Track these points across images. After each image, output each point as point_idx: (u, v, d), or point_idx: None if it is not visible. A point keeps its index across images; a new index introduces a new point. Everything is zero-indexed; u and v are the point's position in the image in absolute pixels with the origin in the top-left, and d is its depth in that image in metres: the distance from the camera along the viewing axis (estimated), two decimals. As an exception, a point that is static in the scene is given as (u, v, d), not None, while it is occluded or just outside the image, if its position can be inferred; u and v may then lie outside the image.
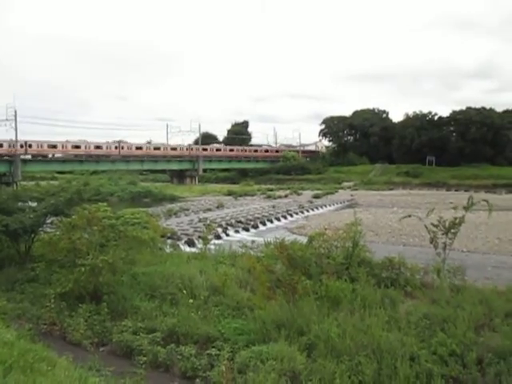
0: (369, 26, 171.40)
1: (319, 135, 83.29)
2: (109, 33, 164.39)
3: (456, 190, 50.76)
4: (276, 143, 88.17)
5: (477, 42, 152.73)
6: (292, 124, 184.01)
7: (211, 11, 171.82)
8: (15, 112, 46.91)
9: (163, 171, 68.45)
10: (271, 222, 27.81)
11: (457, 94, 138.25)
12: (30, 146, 46.94)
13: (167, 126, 72.66)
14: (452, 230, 9.24)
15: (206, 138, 78.76)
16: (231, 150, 71.49)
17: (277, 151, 79.23)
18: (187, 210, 31.65)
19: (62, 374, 4.75)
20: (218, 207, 33.89)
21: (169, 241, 16.54)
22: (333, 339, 6.14)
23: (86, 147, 53.37)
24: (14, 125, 46.71)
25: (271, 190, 51.44)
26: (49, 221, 11.12)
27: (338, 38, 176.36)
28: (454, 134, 67.30)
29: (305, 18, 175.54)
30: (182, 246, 17.18)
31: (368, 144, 74.17)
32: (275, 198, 43.27)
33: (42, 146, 48.83)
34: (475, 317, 6.95)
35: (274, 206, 34.56)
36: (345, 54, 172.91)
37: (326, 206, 37.97)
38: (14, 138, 46.50)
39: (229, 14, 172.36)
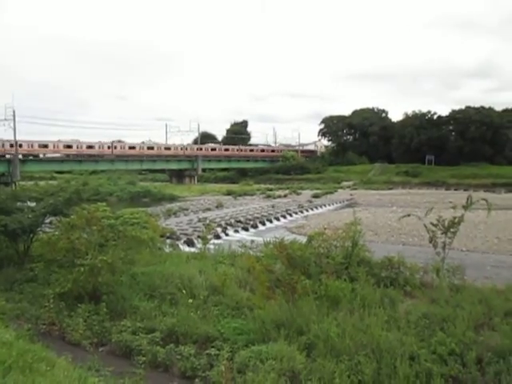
0: (369, 25, 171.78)
1: (318, 135, 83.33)
2: (108, 33, 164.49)
3: (455, 190, 50.76)
4: (275, 143, 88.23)
5: (476, 42, 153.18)
6: (291, 124, 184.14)
7: (211, 11, 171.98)
8: (13, 112, 46.93)
9: (162, 171, 68.20)
10: (270, 221, 27.80)
11: (456, 93, 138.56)
12: (21, 145, 46.30)
13: (166, 125, 72.88)
14: (451, 230, 9.25)
15: (205, 138, 78.76)
16: (226, 150, 71.00)
17: (273, 150, 78.80)
18: (186, 209, 31.63)
19: (61, 374, 4.74)
20: (217, 207, 33.88)
21: (168, 241, 16.52)
22: (332, 339, 6.14)
23: (77, 147, 52.48)
24: (12, 124, 46.74)
25: (270, 189, 51.42)
26: (47, 221, 11.09)
27: (337, 37, 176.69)
28: (454, 134, 67.20)
29: (304, 17, 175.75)
30: (181, 246, 17.19)
31: (367, 143, 74.12)
32: (274, 198, 43.26)
33: (32, 146, 47.83)
34: (475, 316, 6.96)
35: (273, 206, 34.54)
36: (345, 53, 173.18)
37: (325, 205, 37.97)
38: (12, 138, 46.47)
39: (228, 13, 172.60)
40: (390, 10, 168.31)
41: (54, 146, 50.28)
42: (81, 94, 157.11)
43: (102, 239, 8.55)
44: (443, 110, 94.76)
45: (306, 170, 69.44)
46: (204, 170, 69.00)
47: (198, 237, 17.94)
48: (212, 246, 14.26)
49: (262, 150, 77.79)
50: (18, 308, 8.11)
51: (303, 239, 10.59)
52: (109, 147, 54.92)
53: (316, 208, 35.77)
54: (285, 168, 70.07)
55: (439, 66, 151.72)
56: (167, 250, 13.80)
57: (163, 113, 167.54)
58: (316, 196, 44.66)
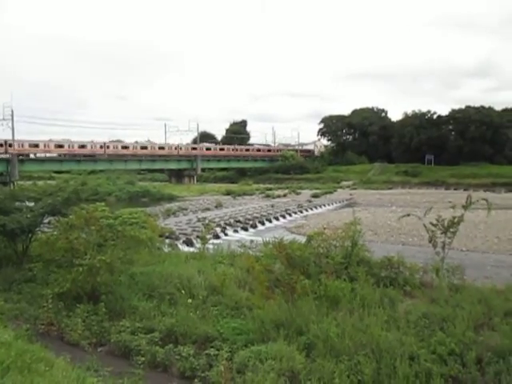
0: (369, 25, 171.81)
1: (318, 134, 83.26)
2: (108, 33, 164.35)
3: (455, 189, 50.76)
4: (274, 142, 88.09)
5: (476, 41, 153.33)
6: (291, 123, 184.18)
7: (210, 10, 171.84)
8: (12, 111, 46.82)
9: (161, 170, 68.04)
10: (270, 221, 27.78)
11: (456, 92, 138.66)
12: (11, 145, 45.65)
13: (165, 125, 72.63)
14: (451, 229, 9.23)
15: (205, 138, 78.63)
16: (221, 149, 70.51)
17: (269, 150, 78.36)
18: (185, 209, 31.61)
19: (60, 375, 4.73)
20: (216, 207, 33.85)
21: (167, 240, 16.48)
22: (332, 339, 6.13)
23: (69, 146, 51.91)
24: (10, 124, 46.59)
25: (270, 189, 51.41)
26: (46, 221, 11.07)
27: (337, 36, 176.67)
28: (453, 133, 67.20)
29: (304, 16, 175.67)
30: (180, 246, 17.18)
31: (367, 143, 74.10)
32: (274, 198, 43.26)
33: (23, 146, 46.92)
34: (474, 316, 6.95)
35: (272, 206, 34.53)
36: (345, 52, 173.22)
37: (324, 205, 37.96)
38: (10, 138, 46.31)
39: (228, 12, 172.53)
40: (390, 10, 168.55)
41: (44, 146, 49.69)
42: (80, 93, 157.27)
43: (100, 239, 8.53)
44: (443, 110, 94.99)
45: (306, 170, 69.39)
46: (203, 170, 68.81)
47: (197, 237, 17.91)
48: (211, 246, 14.22)
49: (258, 150, 77.17)
50: (16, 308, 8.09)
51: (303, 239, 10.58)
52: (101, 147, 54.38)
53: (315, 208, 35.75)
54: (284, 168, 69.96)
55: (439, 65, 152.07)
56: (166, 249, 13.77)
57: (162, 113, 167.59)
58: (315, 196, 44.65)
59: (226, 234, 22.39)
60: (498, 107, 68.23)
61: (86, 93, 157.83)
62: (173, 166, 64.06)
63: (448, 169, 59.80)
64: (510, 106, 68.92)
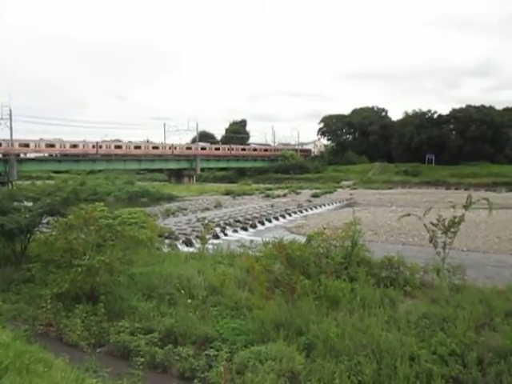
0: (369, 24, 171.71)
1: (318, 134, 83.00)
2: (107, 33, 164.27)
3: (456, 189, 50.64)
4: (274, 142, 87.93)
5: (476, 41, 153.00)
6: (291, 123, 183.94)
7: (209, 10, 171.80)
8: (10, 111, 46.70)
9: (160, 170, 67.75)
10: (270, 221, 27.70)
11: (456, 92, 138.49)
12: (0, 144, 45.20)
13: (164, 125, 72.33)
14: (452, 229, 9.21)
15: (204, 137, 78.30)
16: (217, 149, 69.66)
17: (266, 150, 77.57)
18: (185, 209, 31.51)
19: (59, 376, 4.73)
20: (216, 207, 33.76)
21: (166, 240, 16.46)
22: (332, 339, 6.13)
23: (60, 146, 51.00)
24: (9, 124, 46.41)
25: (270, 189, 51.28)
26: (45, 221, 11.05)
27: (337, 36, 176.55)
28: (454, 132, 67.07)
29: (304, 15, 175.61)
30: (179, 246, 17.15)
31: (367, 143, 73.91)
32: (274, 198, 43.17)
33: (12, 145, 45.74)
34: (475, 316, 6.94)
35: (272, 206, 34.45)
36: (344, 52, 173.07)
37: (324, 205, 37.89)
38: (9, 137, 46.12)
39: (227, 12, 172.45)
40: (390, 10, 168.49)
41: (35, 146, 48.83)
42: (79, 93, 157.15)
43: (99, 239, 8.51)
44: (443, 109, 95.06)
45: (306, 170, 69.09)
46: (202, 170, 68.46)
47: (197, 237, 17.86)
48: (211, 246, 14.21)
49: (254, 149, 76.18)
50: (15, 309, 8.07)
51: (302, 239, 10.55)
52: (93, 146, 53.65)
53: (315, 208, 35.68)
54: (284, 167, 69.63)
55: (439, 64, 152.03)
56: (165, 250, 13.78)
57: (162, 112, 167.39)
58: (315, 195, 44.56)
59: (225, 234, 22.33)
60: (499, 106, 68.25)
61: (85, 92, 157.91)
62: (172, 165, 63.77)
63: (448, 168, 59.69)
64: (510, 106, 68.87)
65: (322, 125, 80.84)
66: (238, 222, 25.71)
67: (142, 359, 6.19)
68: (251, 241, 14.25)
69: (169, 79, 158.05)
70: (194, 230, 20.96)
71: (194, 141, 73.51)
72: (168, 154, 61.87)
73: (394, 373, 5.39)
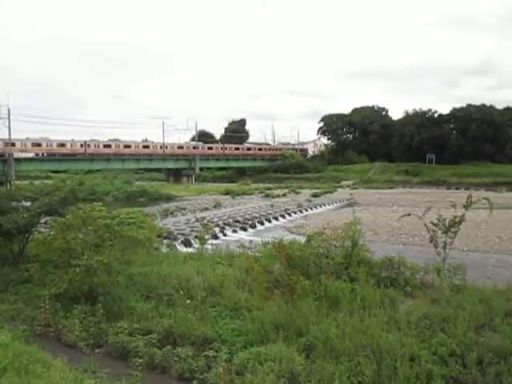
0: (369, 23, 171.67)
1: (318, 133, 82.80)
2: (106, 32, 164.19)
3: (456, 189, 50.59)
4: (274, 141, 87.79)
5: (476, 40, 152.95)
6: (290, 122, 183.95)
7: (209, 9, 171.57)
8: (8, 110, 46.49)
9: (159, 170, 67.38)
10: (269, 221, 27.63)
11: (457, 91, 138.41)
12: None
13: (163, 124, 71.72)
14: (452, 229, 9.19)
15: (203, 136, 77.81)
16: (210, 148, 68.69)
17: (260, 149, 76.63)
18: (184, 209, 31.41)
19: (57, 376, 4.74)
20: (215, 206, 33.69)
21: (165, 241, 16.43)
22: (332, 340, 6.13)
23: (47, 145, 50.03)
24: (7, 123, 46.15)
25: (269, 188, 51.21)
26: (43, 220, 11.01)
27: (337, 35, 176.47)
28: (454, 132, 67.02)
29: (304, 14, 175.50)
30: (178, 246, 17.08)
31: (367, 142, 73.77)
32: (273, 197, 43.12)
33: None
34: (475, 316, 6.94)
35: (272, 205, 34.39)
36: (345, 51, 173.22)
37: (324, 205, 37.83)
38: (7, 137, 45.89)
39: (227, 11, 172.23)
40: (390, 9, 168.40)
41: (21, 145, 47.81)
42: (78, 92, 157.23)
43: (98, 239, 8.48)
44: (444, 108, 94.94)
45: (306, 169, 68.79)
46: (202, 169, 68.05)
47: (196, 237, 17.81)
48: (210, 247, 14.20)
49: (249, 149, 75.25)
50: (13, 309, 8.06)
51: (302, 239, 10.51)
52: (81, 145, 52.78)
53: (315, 207, 35.63)
54: (283, 167, 69.26)
55: (439, 64, 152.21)
56: (164, 250, 13.74)
57: (160, 111, 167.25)
58: (315, 195, 44.48)
59: (224, 235, 22.26)
60: (499, 106, 68.20)
61: (83, 92, 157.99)
62: (170, 165, 63.32)
63: (449, 168, 59.63)
64: (511, 105, 68.77)
65: (322, 124, 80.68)
66: (238, 222, 25.64)
67: (141, 360, 6.17)
68: (250, 241, 14.21)
69: (168, 78, 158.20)
70: (192, 230, 20.91)
71: (193, 140, 73.19)
72: (159, 154, 60.93)
73: (394, 373, 5.39)
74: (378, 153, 70.63)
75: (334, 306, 7.47)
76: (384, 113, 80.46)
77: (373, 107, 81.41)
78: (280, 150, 77.64)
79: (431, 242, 9.39)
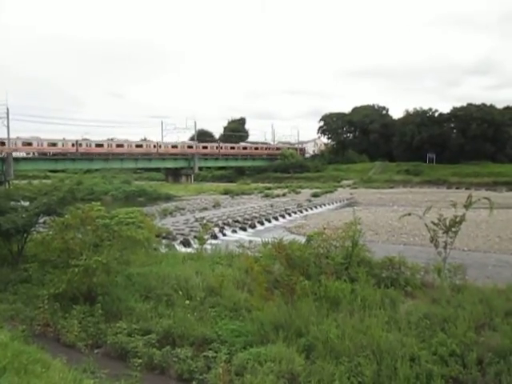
0: (369, 22, 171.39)
1: (318, 132, 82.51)
2: (104, 31, 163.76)
3: (457, 188, 50.51)
4: (274, 140, 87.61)
5: (476, 39, 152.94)
6: (290, 121, 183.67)
7: (208, 7, 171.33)
8: (7, 109, 46.39)
9: (158, 169, 67.10)
10: (269, 221, 27.55)
11: (457, 90, 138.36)
12: None
13: (162, 123, 71.55)
14: (453, 229, 9.16)
15: (202, 136, 77.60)
16: (205, 148, 67.82)
17: (256, 148, 75.98)
18: (183, 209, 31.29)
19: (57, 376, 4.75)
20: (214, 206, 33.61)
21: (164, 241, 16.40)
22: (332, 340, 6.12)
23: (38, 144, 49.24)
24: (6, 122, 46.04)
25: (269, 188, 51.10)
26: (41, 220, 10.98)
27: (337, 34, 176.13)
28: (455, 131, 66.90)
29: (304, 13, 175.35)
30: (177, 246, 17.04)
31: (368, 141, 73.60)
32: (273, 197, 43.05)
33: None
34: (476, 316, 6.94)
35: (271, 205, 34.32)
36: (345, 50, 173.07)
37: (324, 204, 37.78)
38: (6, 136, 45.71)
39: (226, 9, 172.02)
40: (391, 8, 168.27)
41: (12, 144, 46.87)
42: (77, 92, 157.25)
43: (96, 239, 8.46)
44: (444, 108, 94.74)
45: (306, 169, 68.45)
46: (201, 169, 67.87)
47: (195, 237, 17.75)
48: (209, 247, 14.17)
49: (245, 148, 74.60)
50: (12, 309, 8.04)
51: (302, 239, 10.49)
52: (73, 145, 52.15)
53: (315, 207, 35.57)
54: (283, 166, 68.87)
55: (440, 63, 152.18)
56: (163, 250, 13.69)
57: (160, 110, 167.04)
58: (315, 195, 44.39)
59: (224, 235, 22.19)
60: (500, 105, 68.04)
61: (83, 91, 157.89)
62: (169, 164, 63.02)
63: (449, 167, 59.55)
64: (511, 104, 68.66)
65: (322, 123, 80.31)
66: (237, 222, 25.58)
67: (140, 360, 6.16)
68: (250, 241, 14.16)
69: (167, 77, 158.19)
70: (192, 230, 20.84)
71: (192, 139, 72.94)
72: (152, 153, 60.30)
73: (395, 374, 5.39)
74: (379, 152, 70.52)
75: (334, 307, 7.45)
76: (384, 112, 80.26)
77: (373, 106, 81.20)
78: (277, 149, 77.18)
79: (432, 241, 9.37)
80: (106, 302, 7.90)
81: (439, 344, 5.98)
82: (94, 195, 26.77)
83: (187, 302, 7.89)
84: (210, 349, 6.33)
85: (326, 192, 47.70)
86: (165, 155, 61.67)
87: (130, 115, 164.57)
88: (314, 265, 8.57)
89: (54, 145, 51.02)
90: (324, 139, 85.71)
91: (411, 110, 72.92)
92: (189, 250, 15.96)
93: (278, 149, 77.59)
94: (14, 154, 46.99)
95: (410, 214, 10.87)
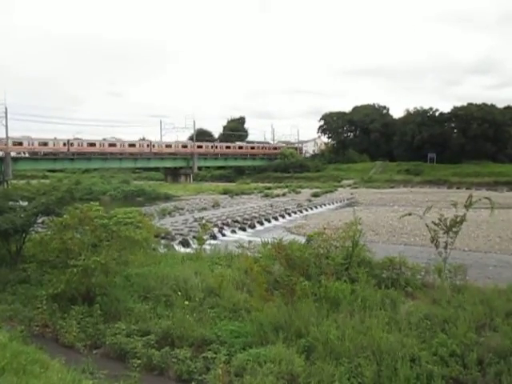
0: (369, 21, 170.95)
1: (318, 131, 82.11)
2: (103, 30, 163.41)
3: (457, 188, 50.37)
4: (273, 140, 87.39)
5: (476, 38, 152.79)
6: (290, 120, 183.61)
7: (208, 6, 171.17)
8: (6, 109, 46.21)
9: (157, 169, 66.88)
10: (269, 221, 27.43)
11: (458, 89, 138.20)
12: None
13: (160, 122, 71.02)
14: (453, 229, 9.12)
15: (202, 135, 77.20)
16: (199, 147, 67.03)
17: (252, 148, 75.39)
18: (182, 209, 31.11)
19: (55, 377, 4.75)
20: (213, 206, 33.48)
21: (163, 241, 16.32)
22: (332, 341, 6.11)
23: (29, 144, 48.06)
24: (4, 122, 45.83)
25: (269, 188, 50.92)
26: (40, 220, 10.97)
27: (337, 32, 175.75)
28: (456, 131, 66.69)
29: (304, 12, 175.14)
30: (176, 247, 16.94)
31: (368, 141, 73.34)
32: (273, 197, 42.97)
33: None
34: (476, 317, 6.94)
35: (271, 205, 34.23)
36: (345, 49, 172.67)
37: (325, 204, 37.70)
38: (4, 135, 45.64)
39: (226, 8, 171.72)
40: (391, 6, 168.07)
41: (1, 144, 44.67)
42: (76, 91, 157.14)
43: (95, 239, 8.43)
44: (445, 107, 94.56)
45: (306, 168, 67.94)
46: (200, 169, 67.44)
47: (194, 237, 17.70)
48: (208, 247, 14.15)
49: (241, 147, 73.65)
50: (10, 309, 8.02)
51: (302, 239, 10.46)
52: (64, 144, 51.31)
53: (316, 207, 35.50)
54: (283, 166, 68.34)
55: (440, 62, 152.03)
56: (162, 250, 13.64)
57: (159, 110, 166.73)
58: (315, 195, 44.29)
59: (223, 235, 22.09)
60: (500, 104, 67.85)
61: (82, 90, 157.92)
62: (168, 164, 62.63)
63: (450, 167, 59.40)
64: (512, 104, 68.53)
65: (322, 122, 79.81)
66: (236, 222, 25.49)
67: (139, 361, 6.16)
68: (250, 241, 14.11)
69: (166, 77, 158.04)
70: (191, 231, 20.71)
71: (191, 138, 72.73)
72: (146, 152, 59.67)
73: (395, 374, 5.37)
74: (379, 151, 70.33)
75: (334, 307, 7.42)
76: (385, 111, 79.87)
77: (374, 105, 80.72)
78: (274, 148, 76.73)
79: (432, 241, 9.32)
80: (105, 302, 7.88)
81: (440, 344, 5.97)
82: (92, 195, 26.71)
83: (186, 302, 7.86)
84: (210, 350, 6.32)
85: (327, 192, 47.57)
86: (163, 155, 61.28)
87: (130, 114, 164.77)
88: (314, 265, 8.54)
89: (45, 144, 50.24)
90: (324, 138, 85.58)
91: (412, 109, 72.80)
92: (188, 250, 15.88)
93: (274, 148, 77.17)
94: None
95: (410, 214, 10.81)
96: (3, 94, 62.28)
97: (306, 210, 33.39)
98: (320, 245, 9.30)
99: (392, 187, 53.82)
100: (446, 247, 9.09)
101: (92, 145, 54.55)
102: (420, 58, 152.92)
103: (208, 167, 71.24)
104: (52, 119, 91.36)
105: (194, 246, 16.25)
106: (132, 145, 59.43)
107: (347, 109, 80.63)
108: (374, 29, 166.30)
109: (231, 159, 69.99)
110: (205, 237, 14.82)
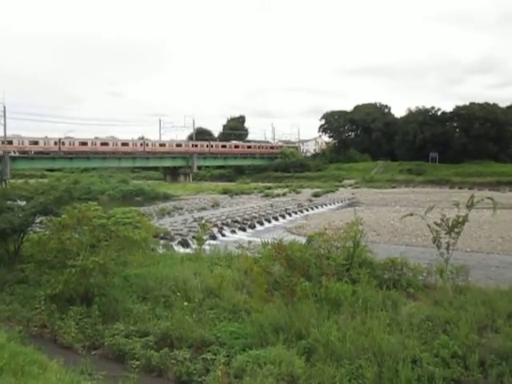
0: (370, 20, 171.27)
1: (319, 131, 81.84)
2: (102, 29, 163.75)
3: (460, 188, 50.24)
4: (274, 139, 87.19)
5: (478, 37, 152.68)
6: (291, 119, 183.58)
7: (207, 5, 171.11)
8: (4, 108, 46.43)
9: (156, 168, 66.66)
10: (269, 221, 27.43)
11: (460, 88, 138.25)
12: None
13: (160, 121, 70.91)
14: (455, 230, 9.06)
15: (201, 134, 77.04)
16: (195, 146, 65.60)
17: (249, 147, 74.79)
18: (181, 209, 31.10)
19: (54, 378, 4.74)
20: (213, 206, 33.47)
21: (162, 241, 16.25)
22: (333, 343, 6.07)
23: (19, 143, 48.03)
24: (2, 121, 46.02)
25: (269, 188, 50.85)
26: (38, 220, 10.93)
27: (338, 31, 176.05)
28: (458, 130, 66.40)
29: (304, 10, 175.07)
30: (175, 247, 16.91)
31: (370, 140, 72.92)
32: (273, 197, 42.95)
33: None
34: (478, 318, 6.90)
35: (271, 205, 34.20)
36: (346, 47, 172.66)
37: (326, 204, 37.67)
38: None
39: (226, 7, 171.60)
40: (392, 5, 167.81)
41: None
42: (75, 90, 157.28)
43: (93, 239, 8.38)
44: (447, 106, 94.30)
45: (306, 168, 67.55)
46: (199, 168, 67.06)
47: (193, 237, 17.68)
48: (208, 247, 14.12)
49: (237, 146, 73.20)
50: (8, 310, 7.98)
51: (303, 240, 10.41)
52: (55, 143, 50.46)
53: (316, 207, 35.47)
54: (283, 165, 68.01)
55: (442, 61, 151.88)
56: (161, 250, 13.59)
57: (158, 109, 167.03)
58: (316, 195, 44.24)
59: (223, 235, 22.07)
60: (503, 104, 67.64)
61: (81, 90, 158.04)
62: (167, 163, 62.34)
63: (452, 167, 59.24)
64: (514, 103, 68.17)
65: (323, 121, 79.29)
66: (236, 222, 25.46)
67: (138, 362, 6.13)
68: (250, 241, 14.06)
69: (166, 75, 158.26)
70: (190, 231, 20.69)
71: (190, 137, 72.59)
72: (139, 152, 59.03)
73: (396, 376, 5.33)
74: (381, 151, 69.97)
75: (335, 309, 7.38)
76: (386, 110, 79.27)
77: (375, 104, 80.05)
78: (272, 148, 76.17)
79: (434, 242, 9.25)
80: (103, 303, 7.85)
81: (441, 346, 5.93)
82: (90, 194, 26.61)
83: (185, 303, 7.81)
84: (209, 351, 6.27)
85: (327, 192, 47.49)
86: (158, 154, 60.70)
87: (129, 113, 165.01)
88: (314, 266, 8.48)
89: (36, 143, 49.79)
90: (325, 138, 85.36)
91: (413, 108, 72.55)
92: (187, 250, 15.87)
93: (272, 147, 76.66)
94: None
95: (412, 215, 10.73)
96: (1, 93, 62.34)
97: (307, 210, 33.34)
98: (321, 245, 9.24)
99: (394, 187, 53.68)
100: (447, 248, 9.03)
101: (84, 144, 54.08)
102: (420, 57, 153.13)
103: (207, 167, 70.80)
104: (51, 118, 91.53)
105: (193, 247, 16.23)
106: (125, 144, 58.68)
107: (348, 108, 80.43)
108: (374, 28, 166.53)
109: (231, 158, 69.61)
110: (204, 237, 14.77)
